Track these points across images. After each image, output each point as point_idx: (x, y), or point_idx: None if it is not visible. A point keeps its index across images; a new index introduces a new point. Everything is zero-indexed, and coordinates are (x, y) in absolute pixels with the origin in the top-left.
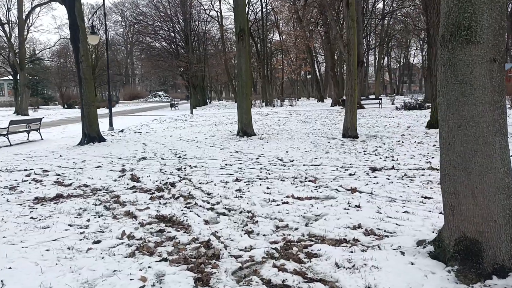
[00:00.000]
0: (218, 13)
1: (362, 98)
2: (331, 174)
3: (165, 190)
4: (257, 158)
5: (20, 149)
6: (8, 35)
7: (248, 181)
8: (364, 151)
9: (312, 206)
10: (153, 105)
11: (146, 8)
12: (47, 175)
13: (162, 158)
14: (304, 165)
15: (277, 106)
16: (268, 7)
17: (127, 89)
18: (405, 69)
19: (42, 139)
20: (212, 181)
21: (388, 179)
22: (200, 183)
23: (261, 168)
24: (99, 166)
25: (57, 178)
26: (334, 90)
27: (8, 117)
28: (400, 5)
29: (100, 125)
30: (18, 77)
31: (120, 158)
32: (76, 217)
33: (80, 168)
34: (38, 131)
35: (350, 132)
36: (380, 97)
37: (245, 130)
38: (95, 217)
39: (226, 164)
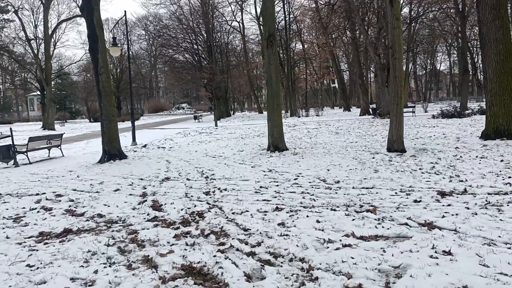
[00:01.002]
0: (240, 23)
1: None
2: (392, 201)
3: (192, 223)
4: (295, 179)
5: (38, 168)
6: (36, 51)
7: (291, 210)
8: (419, 168)
9: (385, 251)
10: (176, 117)
11: (168, 21)
12: (60, 200)
13: (188, 179)
14: (353, 187)
15: (302, 117)
16: (290, 16)
17: (151, 102)
18: (432, 76)
19: (63, 155)
20: (247, 210)
21: (468, 208)
22: (233, 213)
23: (302, 192)
24: (118, 190)
25: (70, 206)
26: (363, 98)
27: (36, 132)
28: (427, 10)
29: (124, 139)
30: (45, 92)
31: (141, 179)
32: (82, 265)
33: (97, 192)
34: (59, 147)
35: (396, 145)
36: (413, 105)
37: (277, 144)
38: (105, 266)
39: (260, 187)
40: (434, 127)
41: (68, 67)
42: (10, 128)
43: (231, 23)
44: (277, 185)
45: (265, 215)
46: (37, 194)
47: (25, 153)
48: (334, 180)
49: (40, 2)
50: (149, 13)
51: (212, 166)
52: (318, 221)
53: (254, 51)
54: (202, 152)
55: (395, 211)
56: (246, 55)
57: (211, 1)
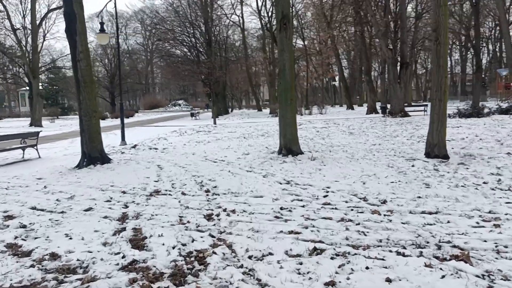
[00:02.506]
0: (240, 17)
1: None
2: (479, 237)
3: (188, 276)
4: (324, 196)
5: (4, 173)
6: (24, 42)
7: (337, 254)
8: (483, 182)
9: None
10: (173, 114)
11: (165, 14)
12: (7, 226)
13: (183, 193)
14: (410, 212)
15: (305, 115)
16: (292, 10)
17: (147, 98)
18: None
19: (39, 157)
20: (270, 253)
21: None
22: (249, 257)
23: (343, 220)
24: (90, 208)
25: (17, 237)
26: (370, 96)
27: (22, 128)
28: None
29: (113, 138)
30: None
31: (123, 192)
32: None
33: (62, 212)
34: (35, 147)
35: (437, 150)
36: (424, 103)
37: (290, 147)
38: None
39: (281, 208)
40: (458, 127)
41: (57, 60)
42: None
43: (231, 17)
44: (303, 206)
45: (300, 263)
46: None
47: None
48: (378, 199)
49: None
50: (145, 4)
51: (214, 174)
52: (389, 280)
53: (253, 46)
54: (200, 155)
55: (497, 258)
56: (245, 50)
57: None
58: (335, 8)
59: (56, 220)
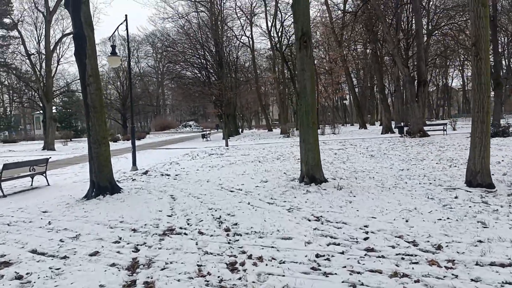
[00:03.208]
0: (250, 38)
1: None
2: None
3: None
4: (365, 238)
5: (10, 204)
6: (38, 67)
7: None
8: None
9: None
10: (184, 135)
11: (176, 36)
12: (1, 277)
13: (200, 232)
14: (477, 263)
15: (319, 134)
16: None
17: (158, 120)
18: (443, 92)
19: (48, 184)
20: None
21: None
22: None
23: (396, 274)
24: (96, 253)
25: None
26: (385, 115)
27: (35, 152)
28: (448, 22)
29: (124, 163)
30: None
31: (134, 231)
32: None
33: (65, 257)
34: (44, 174)
35: (480, 178)
36: (443, 121)
37: (313, 174)
38: None
39: (317, 256)
40: None
41: (74, 83)
42: None
43: (241, 38)
44: (342, 252)
45: None
46: None
47: None
48: (430, 243)
49: (42, 16)
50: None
51: (232, 207)
52: None
53: (263, 67)
54: (215, 183)
55: None
56: (255, 70)
57: (219, 16)
58: (346, 27)
59: (57, 269)
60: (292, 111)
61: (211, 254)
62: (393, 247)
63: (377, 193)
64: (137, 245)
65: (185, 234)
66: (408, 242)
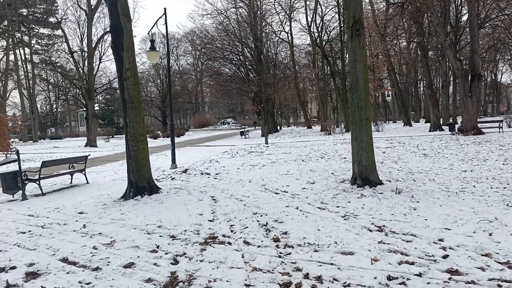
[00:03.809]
0: (288, 34)
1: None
2: None
3: None
4: (444, 256)
5: (48, 203)
6: (81, 64)
7: None
8: None
9: None
10: (222, 132)
11: (215, 33)
12: None
13: (246, 242)
14: None
15: None
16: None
17: (197, 117)
18: (493, 88)
19: (87, 182)
20: None
21: None
22: None
23: None
24: (132, 264)
25: None
26: (433, 111)
27: (78, 148)
28: (501, 12)
29: (164, 160)
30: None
31: (172, 238)
32: None
33: (97, 269)
34: (83, 172)
35: None
36: (499, 118)
37: (366, 176)
38: None
39: (388, 278)
40: None
41: (115, 81)
42: (17, 151)
43: (280, 34)
44: (419, 274)
45: None
46: (1, 270)
47: (37, 182)
48: None
49: (84, 14)
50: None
51: (279, 212)
52: None
53: (301, 63)
54: (258, 183)
55: None
56: (294, 66)
57: (258, 12)
58: (390, 20)
59: (87, 284)
60: (332, 108)
61: (260, 270)
62: (482, 269)
63: (444, 199)
64: (176, 255)
65: (229, 243)
66: (500, 263)
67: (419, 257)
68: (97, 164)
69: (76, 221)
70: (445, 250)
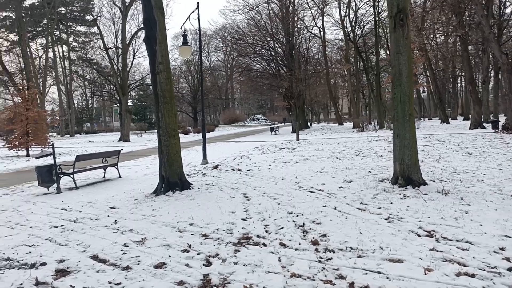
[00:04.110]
0: (321, 29)
1: None
2: None
3: None
4: (509, 269)
5: (81, 197)
6: (116, 61)
7: None
8: None
9: None
10: (252, 128)
11: (246, 28)
12: None
13: (282, 244)
14: None
15: None
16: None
17: (227, 113)
18: None
19: (120, 176)
20: None
21: None
22: None
23: None
24: (163, 264)
25: None
26: (474, 108)
27: (112, 143)
28: None
29: (194, 155)
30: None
31: (204, 236)
32: None
33: (127, 267)
34: (116, 166)
35: None
36: None
37: (409, 175)
38: None
39: None
40: None
41: (147, 77)
42: (52, 144)
43: (312, 29)
44: None
45: None
46: (32, 266)
47: (71, 175)
48: None
49: (119, 11)
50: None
51: (316, 212)
52: None
53: (333, 59)
54: (291, 181)
55: None
56: (326, 62)
57: (291, 7)
58: (429, 12)
59: (116, 285)
60: (364, 104)
61: (300, 277)
62: None
63: (498, 202)
64: (209, 256)
65: (264, 245)
66: None
67: (480, 269)
68: (129, 158)
69: (108, 216)
70: (510, 262)
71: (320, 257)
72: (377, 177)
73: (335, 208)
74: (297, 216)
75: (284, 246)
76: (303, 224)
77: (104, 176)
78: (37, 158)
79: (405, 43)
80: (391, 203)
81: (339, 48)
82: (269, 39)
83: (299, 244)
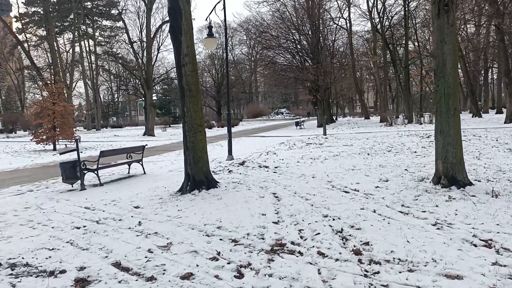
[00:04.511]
0: (347, 20)
1: None
2: None
3: None
4: None
5: (105, 194)
6: (140, 55)
7: None
8: None
9: None
10: (276, 123)
11: (271, 21)
12: None
13: (320, 253)
14: None
15: (425, 123)
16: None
17: (251, 107)
18: None
19: (144, 173)
20: None
21: None
22: None
23: None
24: (190, 275)
25: None
26: (510, 101)
27: (137, 137)
28: None
29: (219, 150)
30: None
31: (234, 242)
32: None
33: (151, 278)
34: (140, 162)
35: None
36: None
37: (453, 175)
38: None
39: None
40: None
41: (172, 71)
42: (76, 140)
43: (338, 21)
44: None
45: None
46: (50, 274)
47: (95, 172)
48: None
49: (144, 4)
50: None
51: (354, 215)
52: None
53: (359, 51)
54: (323, 179)
55: None
56: (352, 54)
57: None
58: (461, 2)
59: None
60: (391, 98)
61: None
62: None
63: None
64: (240, 266)
65: (300, 253)
66: None
67: None
68: (154, 153)
69: (132, 216)
70: None
71: (366, 270)
72: (415, 176)
73: (374, 211)
74: (333, 220)
75: (323, 256)
76: (341, 229)
77: (128, 172)
78: (60, 154)
79: (450, 31)
80: (437, 206)
81: (365, 40)
82: (294, 31)
83: (340, 253)
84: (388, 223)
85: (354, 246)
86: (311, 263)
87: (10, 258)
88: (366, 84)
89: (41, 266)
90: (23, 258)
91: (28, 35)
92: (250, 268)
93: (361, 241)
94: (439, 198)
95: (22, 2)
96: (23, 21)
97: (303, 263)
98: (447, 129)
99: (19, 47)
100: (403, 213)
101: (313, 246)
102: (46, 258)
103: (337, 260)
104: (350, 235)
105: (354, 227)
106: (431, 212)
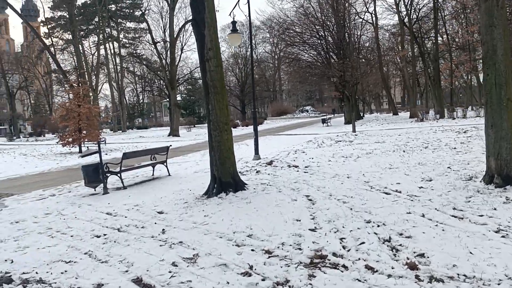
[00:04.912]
0: (373, 15)
1: None
2: None
3: None
4: None
5: (128, 198)
6: (164, 55)
7: None
8: None
9: None
10: (301, 121)
11: (295, 17)
12: None
13: (368, 267)
14: None
15: (458, 118)
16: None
17: (275, 105)
18: None
19: (169, 174)
20: None
21: None
22: None
23: None
24: None
25: None
26: None
27: (162, 138)
28: None
29: (245, 150)
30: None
31: (268, 253)
32: None
33: None
34: (165, 164)
35: None
36: None
37: (508, 173)
38: None
39: None
40: None
41: (195, 71)
42: (99, 142)
43: (364, 15)
44: None
45: None
46: None
47: (119, 174)
48: None
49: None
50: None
51: (400, 220)
52: None
53: (385, 46)
54: (359, 179)
55: None
56: (378, 49)
57: None
58: None
59: None
60: (420, 93)
61: None
62: None
63: None
64: (277, 283)
65: (345, 267)
66: None
67: None
68: (179, 154)
69: (155, 223)
70: None
71: None
72: (461, 175)
73: (423, 216)
74: (378, 226)
75: (372, 271)
76: (389, 238)
77: (152, 174)
78: (82, 156)
79: (499, 14)
80: (494, 209)
81: (392, 34)
82: (318, 27)
83: (392, 268)
84: (443, 230)
85: (408, 258)
86: (359, 280)
87: (23, 273)
88: (392, 80)
89: (55, 283)
90: (37, 273)
91: (54, 39)
92: (288, 286)
93: (414, 252)
94: (495, 199)
95: (49, 7)
96: (49, 26)
97: (349, 280)
98: (500, 122)
99: (46, 51)
100: (457, 218)
101: (359, 259)
102: (62, 273)
103: (389, 276)
104: (400, 244)
105: (403, 235)
106: (490, 216)
